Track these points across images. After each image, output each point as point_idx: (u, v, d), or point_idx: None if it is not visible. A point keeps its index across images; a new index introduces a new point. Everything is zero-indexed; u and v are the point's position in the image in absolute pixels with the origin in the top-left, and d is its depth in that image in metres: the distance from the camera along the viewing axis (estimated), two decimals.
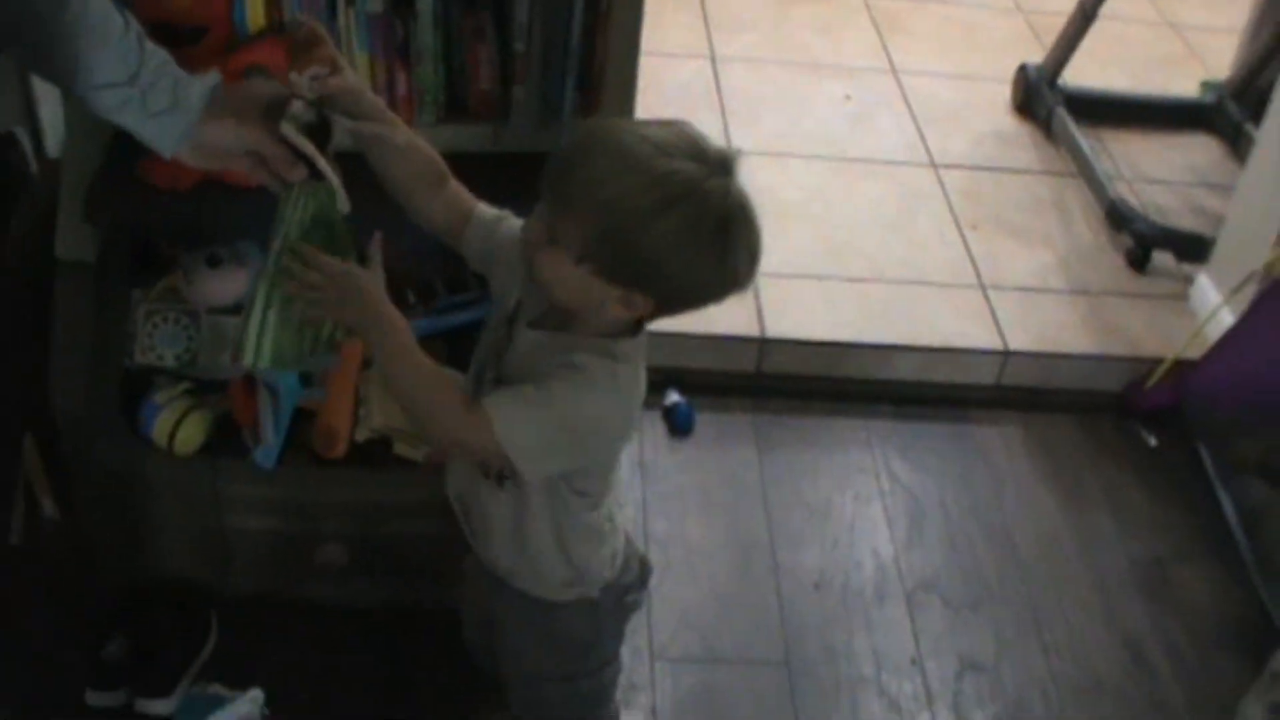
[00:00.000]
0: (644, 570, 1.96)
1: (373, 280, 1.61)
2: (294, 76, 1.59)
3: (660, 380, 3.04)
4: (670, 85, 3.98)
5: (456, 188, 1.73)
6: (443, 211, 1.72)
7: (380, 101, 1.70)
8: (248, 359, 1.67)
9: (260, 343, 1.65)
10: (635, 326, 1.64)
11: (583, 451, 1.67)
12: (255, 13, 1.97)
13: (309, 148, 1.59)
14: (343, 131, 1.64)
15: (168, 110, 1.55)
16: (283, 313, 1.64)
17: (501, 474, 1.71)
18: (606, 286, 1.54)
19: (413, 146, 1.69)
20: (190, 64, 1.74)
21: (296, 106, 1.58)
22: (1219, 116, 4.15)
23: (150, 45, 1.55)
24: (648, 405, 2.95)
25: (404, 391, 1.64)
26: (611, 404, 1.64)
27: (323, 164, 1.60)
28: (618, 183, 1.51)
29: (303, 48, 1.62)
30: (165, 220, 2.13)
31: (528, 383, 1.61)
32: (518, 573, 1.83)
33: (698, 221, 1.50)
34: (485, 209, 1.74)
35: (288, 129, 1.58)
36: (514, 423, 1.59)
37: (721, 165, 1.53)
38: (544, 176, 1.55)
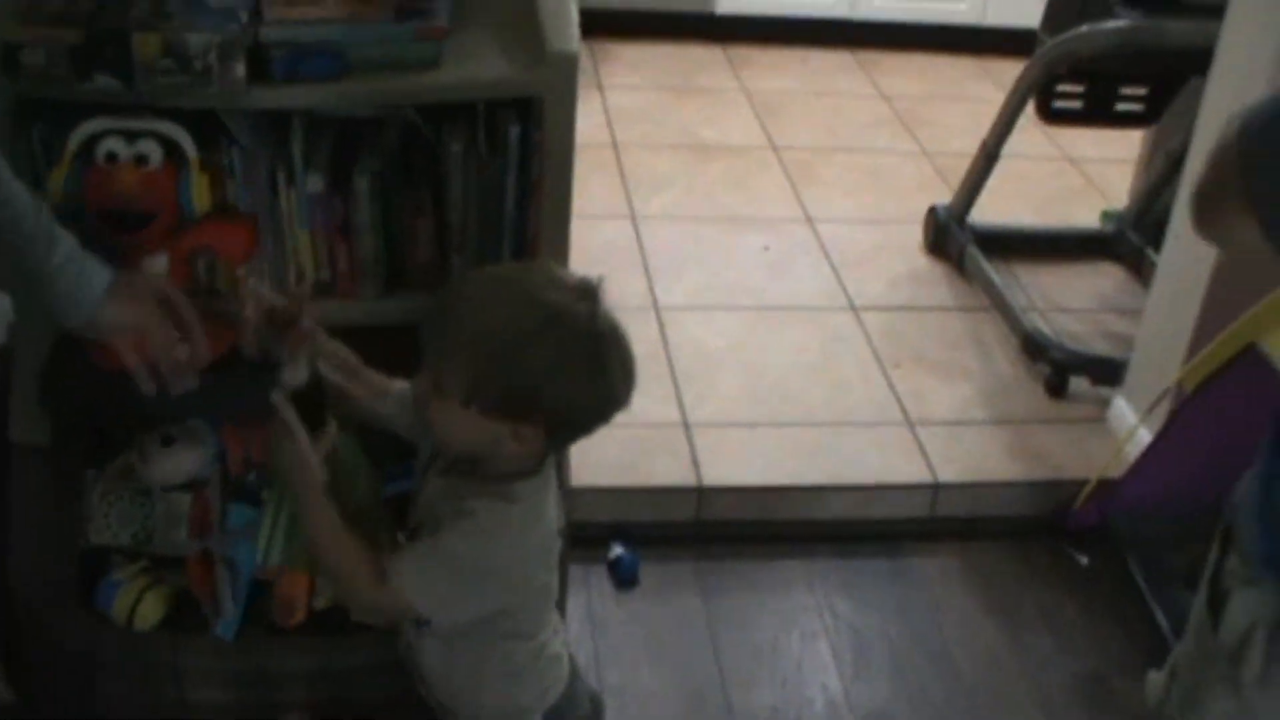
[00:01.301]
0: (595, 707, 2.00)
1: (309, 448, 1.72)
2: (286, 357, 1.77)
3: (604, 534, 3.09)
4: (594, 246, 4.05)
5: (371, 373, 1.86)
6: (362, 392, 1.84)
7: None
8: (274, 561, 2.01)
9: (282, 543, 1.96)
10: (537, 465, 1.71)
11: (484, 594, 1.72)
12: (201, 196, 1.99)
13: (294, 420, 1.73)
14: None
15: (73, 292, 1.69)
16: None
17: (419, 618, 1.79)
18: (496, 424, 1.61)
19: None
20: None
21: (287, 373, 1.73)
22: (1121, 244, 4.29)
23: (59, 230, 1.68)
24: (593, 560, 3.02)
25: (320, 550, 1.74)
26: (501, 547, 1.70)
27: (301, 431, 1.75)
28: (487, 317, 1.60)
29: (284, 321, 1.78)
30: (118, 401, 2.15)
31: (427, 532, 1.71)
32: (456, 709, 1.88)
33: (570, 343, 1.59)
34: (404, 384, 1.83)
35: (278, 398, 1.72)
36: (420, 580, 1.68)
37: (583, 291, 1.62)
38: (421, 332, 1.64)
